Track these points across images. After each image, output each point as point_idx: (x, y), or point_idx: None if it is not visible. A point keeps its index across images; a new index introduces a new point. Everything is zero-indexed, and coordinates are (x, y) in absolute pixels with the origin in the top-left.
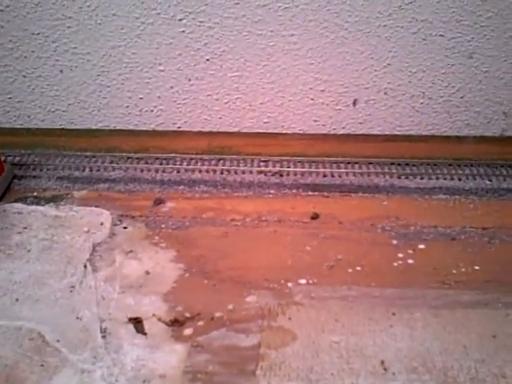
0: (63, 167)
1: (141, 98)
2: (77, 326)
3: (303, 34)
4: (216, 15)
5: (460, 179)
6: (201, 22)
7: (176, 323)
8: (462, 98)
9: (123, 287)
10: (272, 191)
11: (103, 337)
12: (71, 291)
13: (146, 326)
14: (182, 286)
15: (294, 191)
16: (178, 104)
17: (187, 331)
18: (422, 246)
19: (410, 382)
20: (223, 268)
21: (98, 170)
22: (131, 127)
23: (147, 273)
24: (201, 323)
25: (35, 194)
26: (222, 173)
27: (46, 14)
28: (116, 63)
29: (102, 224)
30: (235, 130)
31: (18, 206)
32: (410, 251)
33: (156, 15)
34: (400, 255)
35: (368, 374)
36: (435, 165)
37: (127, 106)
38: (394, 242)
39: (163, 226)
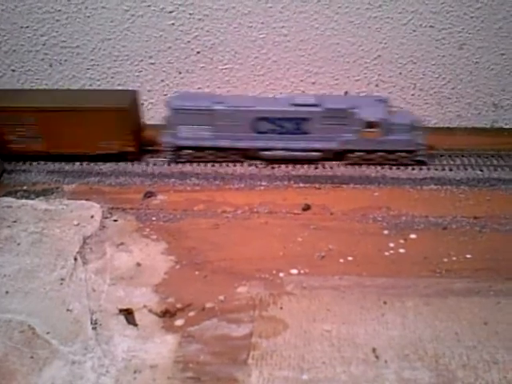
0: (53, 161)
1: None
2: (67, 318)
3: (293, 25)
4: (206, 7)
5: (451, 169)
6: (191, 14)
7: (167, 314)
8: (452, 89)
9: (114, 279)
10: (263, 183)
11: (94, 328)
12: (61, 284)
13: (137, 317)
14: (173, 277)
15: (286, 183)
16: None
17: (178, 322)
18: (413, 236)
19: (401, 370)
20: (214, 259)
21: (88, 164)
22: None
23: (138, 265)
24: (192, 314)
25: (25, 187)
26: (213, 165)
27: (34, 7)
28: (106, 56)
29: (92, 217)
30: None
31: (8, 199)
32: (402, 241)
33: (146, 8)
34: (391, 245)
35: (360, 362)
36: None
37: None
38: (386, 232)
39: (154, 218)
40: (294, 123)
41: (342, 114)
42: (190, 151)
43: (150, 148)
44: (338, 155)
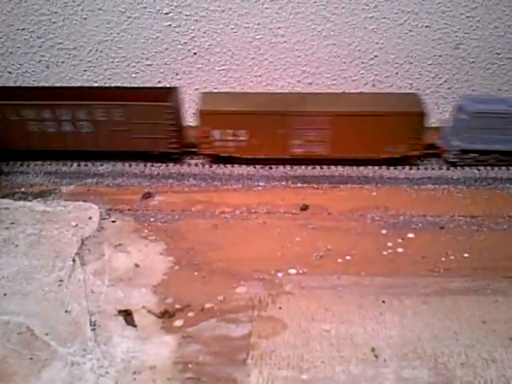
0: (50, 162)
1: None
2: (66, 319)
3: (290, 26)
4: (202, 8)
5: (448, 169)
6: (187, 15)
7: (166, 315)
8: (449, 89)
9: (112, 280)
10: (261, 183)
11: (93, 329)
12: (60, 285)
13: (136, 318)
14: (172, 278)
15: (284, 183)
16: None
17: (177, 322)
18: (411, 235)
19: (401, 369)
20: (213, 260)
21: (86, 165)
22: None
23: (136, 266)
24: (191, 314)
25: (23, 189)
26: (210, 166)
27: (30, 9)
28: (103, 58)
29: (90, 218)
30: None
31: (6, 201)
32: (400, 240)
33: (142, 9)
34: (389, 244)
35: (359, 362)
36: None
37: None
38: (384, 231)
39: (152, 219)
40: None
41: None
42: (475, 154)
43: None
44: None
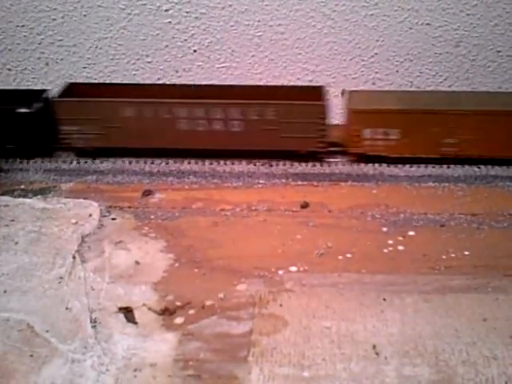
0: (50, 160)
1: None
2: (66, 316)
3: (290, 23)
4: (202, 5)
5: (449, 167)
6: (187, 12)
7: (167, 312)
8: (449, 87)
9: (113, 277)
10: (262, 181)
11: (93, 327)
12: (60, 282)
13: (137, 315)
14: (173, 275)
15: (284, 181)
16: None
17: (178, 320)
18: (411, 233)
19: (402, 366)
20: (213, 257)
21: (86, 162)
22: None
23: (137, 263)
24: (192, 312)
25: (22, 186)
26: (211, 163)
27: (30, 5)
28: (102, 55)
29: (90, 215)
30: None
31: (5, 198)
32: (400, 238)
33: (142, 6)
34: (390, 242)
35: (360, 359)
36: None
37: None
38: (384, 229)
39: (152, 216)
40: None
41: None
42: None
43: None
44: None
